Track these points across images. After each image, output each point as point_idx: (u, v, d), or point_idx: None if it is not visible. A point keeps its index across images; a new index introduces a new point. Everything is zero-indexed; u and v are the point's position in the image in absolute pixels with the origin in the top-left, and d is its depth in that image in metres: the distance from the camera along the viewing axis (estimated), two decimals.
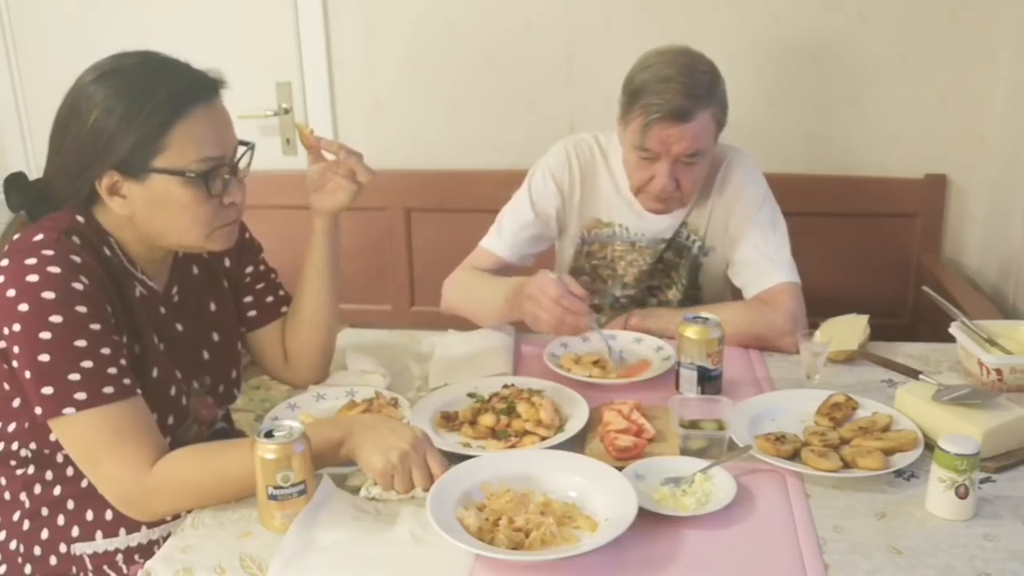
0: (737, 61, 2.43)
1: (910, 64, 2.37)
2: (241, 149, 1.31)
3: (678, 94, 1.67)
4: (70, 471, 1.29)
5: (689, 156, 1.72)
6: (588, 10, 2.45)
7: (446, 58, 2.56)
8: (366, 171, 1.46)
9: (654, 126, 1.69)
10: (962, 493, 1.16)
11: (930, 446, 1.26)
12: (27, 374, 1.17)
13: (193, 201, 1.24)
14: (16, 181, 1.30)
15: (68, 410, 1.17)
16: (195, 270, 1.44)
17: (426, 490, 1.20)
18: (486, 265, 1.90)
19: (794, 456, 1.30)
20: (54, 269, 1.17)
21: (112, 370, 1.19)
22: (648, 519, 1.15)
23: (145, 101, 1.19)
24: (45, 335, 1.15)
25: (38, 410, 1.18)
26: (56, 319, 1.15)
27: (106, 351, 1.19)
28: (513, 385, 1.52)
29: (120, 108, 1.19)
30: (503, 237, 1.91)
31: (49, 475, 1.30)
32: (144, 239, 1.30)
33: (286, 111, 2.69)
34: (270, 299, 1.56)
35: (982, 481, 1.25)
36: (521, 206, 1.92)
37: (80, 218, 1.26)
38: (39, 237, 1.20)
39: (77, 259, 1.19)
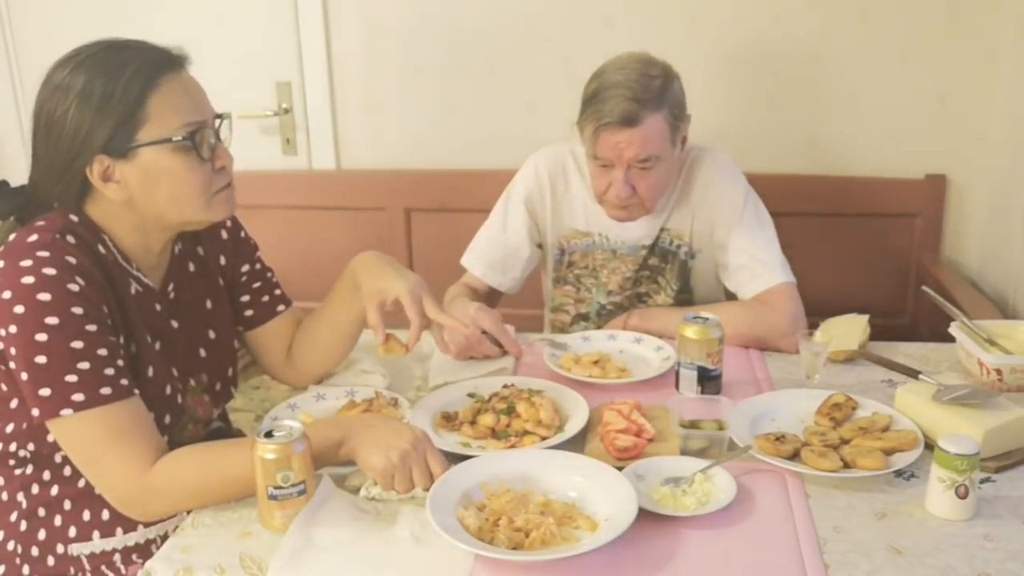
0: (737, 61, 2.43)
1: (910, 64, 2.37)
2: (219, 123, 1.31)
3: (625, 99, 1.67)
4: (67, 471, 1.29)
5: (642, 161, 1.71)
6: (588, 10, 2.45)
7: (446, 58, 2.56)
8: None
9: (602, 133, 1.70)
10: (962, 493, 1.16)
11: (930, 446, 1.26)
12: (24, 376, 1.17)
13: (186, 168, 1.24)
14: (0, 190, 1.30)
15: (66, 411, 1.17)
16: (191, 267, 1.44)
17: (426, 490, 1.20)
18: (472, 284, 1.95)
19: (794, 456, 1.30)
20: (49, 271, 1.17)
21: (109, 371, 1.19)
22: (648, 519, 1.15)
23: (118, 77, 1.20)
24: (41, 337, 1.15)
25: (36, 411, 1.18)
26: (52, 321, 1.15)
27: (103, 352, 1.19)
28: (513, 385, 1.52)
29: (97, 89, 1.19)
30: (479, 257, 1.95)
31: (47, 475, 1.30)
32: (141, 227, 1.29)
33: (286, 111, 2.68)
34: (266, 298, 1.56)
35: (982, 481, 1.25)
36: (493, 228, 1.96)
37: (74, 217, 1.26)
38: (33, 238, 1.20)
39: (72, 260, 1.19)
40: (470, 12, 2.51)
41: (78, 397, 1.16)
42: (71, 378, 1.16)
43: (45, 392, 1.16)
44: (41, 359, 1.15)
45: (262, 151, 2.71)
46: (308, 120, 2.68)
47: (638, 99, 1.67)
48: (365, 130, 2.67)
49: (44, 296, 1.15)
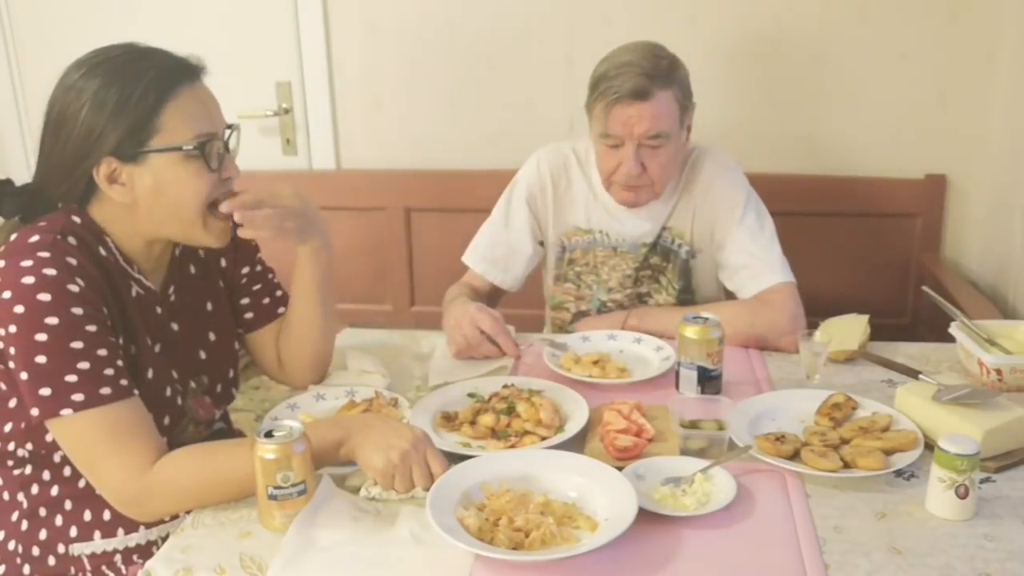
0: (737, 61, 2.43)
1: (910, 64, 2.37)
2: (227, 133, 1.31)
3: (636, 75, 1.70)
4: (67, 471, 1.29)
5: (652, 138, 1.73)
6: (588, 10, 2.45)
7: (446, 58, 2.56)
8: None
9: (614, 107, 1.71)
10: (962, 493, 1.16)
11: (930, 446, 1.26)
12: (24, 375, 1.17)
13: (194, 176, 1.25)
14: (5, 188, 1.31)
15: (65, 411, 1.17)
16: (192, 270, 1.44)
17: (426, 490, 1.20)
18: (474, 282, 1.95)
19: (794, 456, 1.30)
20: (50, 271, 1.17)
21: (109, 371, 1.19)
22: (648, 519, 1.15)
23: (135, 85, 1.20)
24: (41, 337, 1.15)
25: (35, 411, 1.18)
26: (52, 321, 1.15)
27: (103, 352, 1.19)
28: (513, 385, 1.52)
29: (112, 95, 1.20)
30: (481, 254, 1.95)
31: (46, 475, 1.30)
32: (143, 231, 1.30)
33: (286, 111, 2.69)
34: (266, 300, 1.56)
35: (982, 481, 1.24)
36: (495, 225, 1.96)
37: (76, 218, 1.26)
38: (35, 239, 1.20)
39: (73, 261, 1.19)
40: (470, 12, 2.51)
41: (78, 397, 1.16)
42: (71, 378, 1.16)
43: (45, 392, 1.16)
44: (41, 359, 1.16)
45: (262, 151, 2.71)
46: (308, 120, 2.68)
47: (648, 75, 1.70)
48: (365, 130, 2.67)
49: (44, 296, 1.16)
